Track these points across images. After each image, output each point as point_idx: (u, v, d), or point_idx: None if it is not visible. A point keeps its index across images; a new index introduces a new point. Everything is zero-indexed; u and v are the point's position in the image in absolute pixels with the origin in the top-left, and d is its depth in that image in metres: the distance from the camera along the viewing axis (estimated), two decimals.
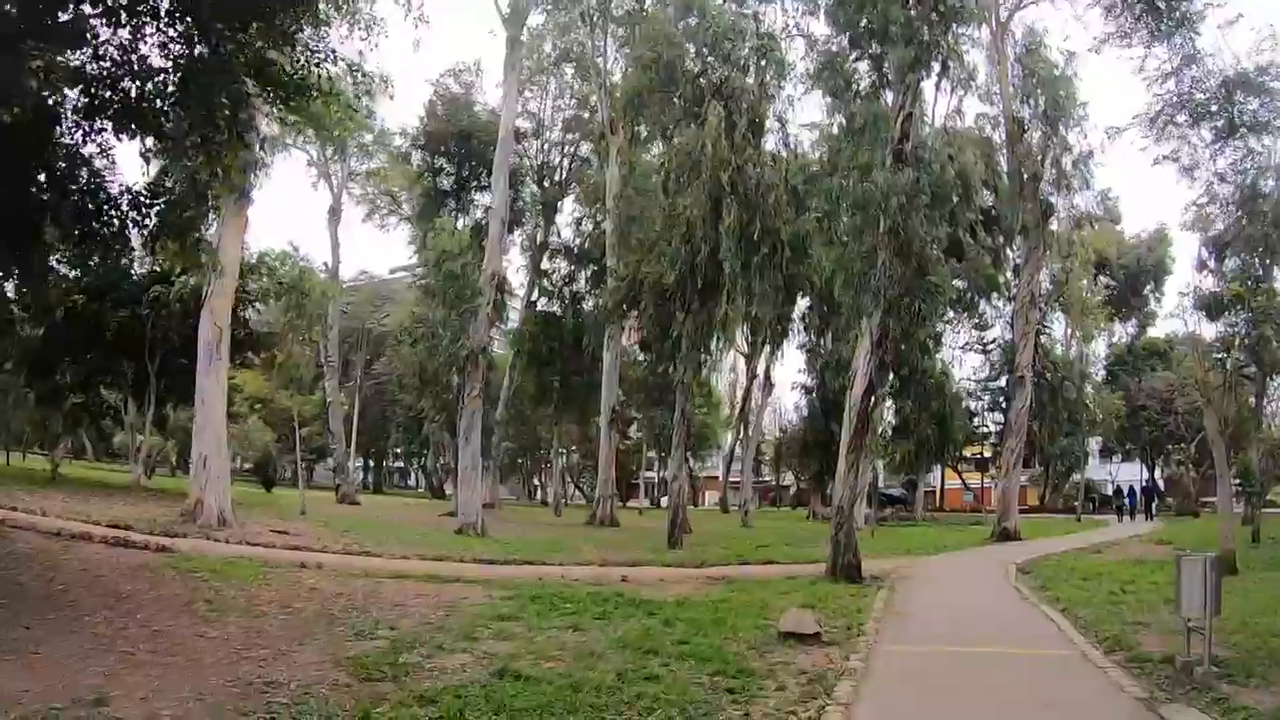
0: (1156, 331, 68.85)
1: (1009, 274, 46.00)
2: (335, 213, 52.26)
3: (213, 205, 28.25)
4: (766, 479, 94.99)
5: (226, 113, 13.23)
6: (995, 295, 51.17)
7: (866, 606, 15.74)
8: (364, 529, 28.12)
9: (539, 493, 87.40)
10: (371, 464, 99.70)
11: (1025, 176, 35.19)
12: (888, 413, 40.80)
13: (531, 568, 21.01)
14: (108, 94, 12.51)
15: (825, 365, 47.43)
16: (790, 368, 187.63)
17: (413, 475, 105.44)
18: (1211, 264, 36.25)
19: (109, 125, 13.06)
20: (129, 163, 14.33)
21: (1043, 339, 45.22)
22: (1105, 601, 16.08)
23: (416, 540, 26.03)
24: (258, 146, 27.22)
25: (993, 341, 61.92)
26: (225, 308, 25.98)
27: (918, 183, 19.26)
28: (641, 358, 46.26)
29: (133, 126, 13.01)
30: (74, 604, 12.01)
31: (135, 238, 15.44)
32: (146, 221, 14.51)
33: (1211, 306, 35.35)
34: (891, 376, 21.21)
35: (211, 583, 14.46)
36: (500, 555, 23.32)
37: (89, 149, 13.47)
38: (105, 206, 13.77)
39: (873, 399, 20.81)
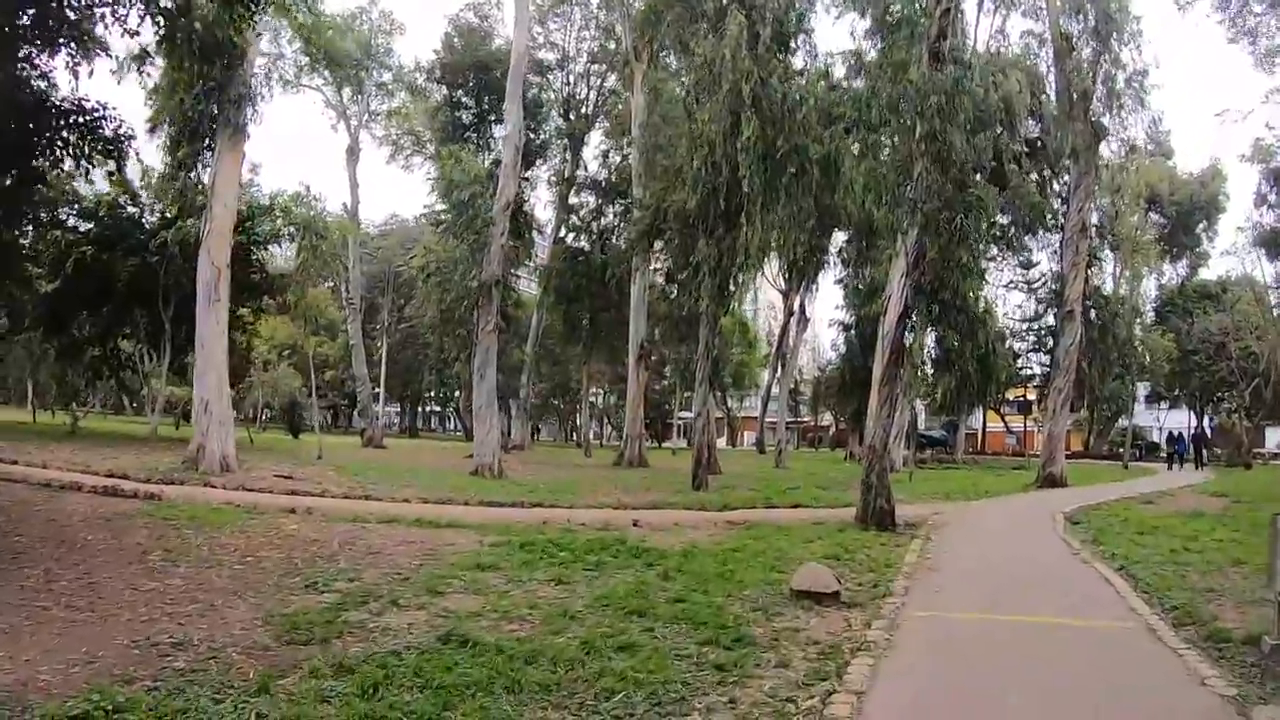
0: (1209, 273, 67.09)
1: (1056, 204, 43.53)
2: (353, 152, 51.21)
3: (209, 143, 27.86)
4: (805, 419, 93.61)
5: None
6: (1041, 229, 48.99)
7: (897, 560, 13.98)
8: (378, 473, 27.16)
9: (576, 434, 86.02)
10: (406, 408, 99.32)
11: (1075, 96, 32.80)
12: (927, 346, 38.73)
13: (541, 511, 19.83)
14: None
15: (863, 300, 46.49)
16: (831, 304, 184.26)
17: (450, 419, 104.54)
18: (1272, 198, 35.88)
19: None
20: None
21: (1089, 283, 42.72)
22: (1167, 560, 14.04)
23: (427, 483, 24.92)
24: (253, 79, 26.30)
25: (1038, 280, 60.16)
26: (222, 246, 25.12)
27: (958, 84, 17.21)
28: (672, 292, 44.52)
29: None
30: (22, 554, 11.47)
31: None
32: None
33: (1272, 242, 33.89)
34: (929, 303, 18.90)
35: (182, 531, 13.75)
36: (511, 498, 22.24)
37: None
38: None
39: (908, 326, 18.96)
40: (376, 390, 63.74)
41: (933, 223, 17.63)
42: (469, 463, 30.25)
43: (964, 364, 36.73)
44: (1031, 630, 9.48)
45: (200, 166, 30.33)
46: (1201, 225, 65.83)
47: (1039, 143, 41.85)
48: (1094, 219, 36.38)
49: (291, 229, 36.43)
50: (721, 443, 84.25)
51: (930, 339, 33.05)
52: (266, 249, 38.16)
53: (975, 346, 18.53)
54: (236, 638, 7.96)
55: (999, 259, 54.73)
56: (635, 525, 17.58)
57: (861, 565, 13.37)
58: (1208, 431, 60.74)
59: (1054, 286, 46.96)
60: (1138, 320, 54.76)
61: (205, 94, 25.66)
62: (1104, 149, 35.23)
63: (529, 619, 9.12)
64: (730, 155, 24.03)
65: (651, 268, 41.79)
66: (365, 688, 6.57)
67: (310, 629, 8.26)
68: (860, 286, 47.45)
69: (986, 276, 46.53)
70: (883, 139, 18.81)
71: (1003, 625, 9.69)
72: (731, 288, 26.71)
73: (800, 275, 48.57)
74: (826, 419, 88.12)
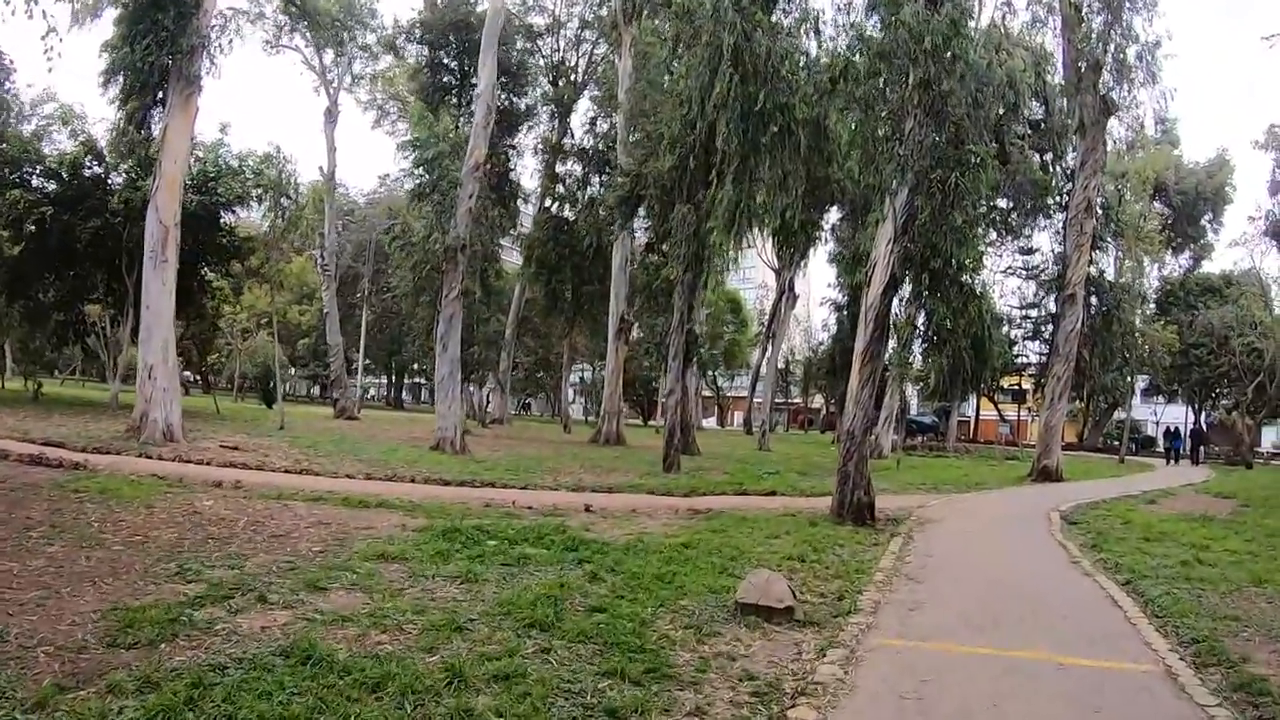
0: (1212, 266, 66.00)
1: (1059, 182, 41.71)
2: (331, 114, 49.63)
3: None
4: (797, 401, 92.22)
5: None
6: (1042, 215, 48.07)
7: (871, 564, 12.23)
8: (334, 446, 25.79)
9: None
10: (392, 380, 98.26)
11: (1084, 67, 31.00)
12: (917, 325, 36.96)
13: (490, 491, 18.54)
14: None
15: (854, 276, 43.76)
16: (826, 284, 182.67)
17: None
18: None
19: None
20: None
21: (1090, 268, 40.90)
22: (1179, 575, 12.23)
23: (382, 458, 23.57)
24: (211, 30, 25.22)
25: (1036, 267, 57.76)
26: (171, 203, 23.81)
27: (955, 25, 15.34)
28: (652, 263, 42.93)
29: None
30: None
31: None
32: None
33: None
34: (919, 272, 16.97)
35: (84, 505, 12.66)
36: (463, 476, 20.70)
37: None
38: None
39: (894, 297, 17.11)
40: (357, 361, 62.22)
41: (924, 181, 15.81)
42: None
43: (957, 345, 35.02)
44: (1025, 672, 7.53)
45: (153, 121, 28.74)
46: (1207, 217, 64.79)
47: (1042, 124, 39.51)
48: (1099, 200, 34.38)
49: (259, 190, 34.70)
50: (711, 422, 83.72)
51: (921, 318, 31.16)
52: (234, 211, 36.33)
53: (969, 323, 16.61)
54: (58, 634, 6.80)
55: (998, 243, 53.01)
56: (587, 510, 16.17)
57: (829, 570, 11.63)
58: (1205, 428, 59.98)
59: (1055, 269, 45.10)
60: (1140, 309, 52.90)
61: (157, 44, 24.03)
62: (1113, 126, 33.30)
63: (408, 628, 7.58)
64: (708, 112, 22.26)
65: (634, 240, 40.05)
66: (155, 713, 5.26)
67: (145, 628, 6.98)
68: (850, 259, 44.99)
69: (985, 261, 45.45)
70: (873, 92, 16.86)
71: (989, 663, 7.74)
72: (708, 254, 24.76)
73: (790, 250, 46.82)
74: (817, 401, 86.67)
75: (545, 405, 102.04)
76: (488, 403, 60.77)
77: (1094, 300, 44.09)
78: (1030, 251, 57.09)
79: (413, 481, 19.37)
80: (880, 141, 16.23)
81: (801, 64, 22.19)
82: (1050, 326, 48.08)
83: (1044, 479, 30.25)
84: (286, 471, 19.42)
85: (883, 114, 16.36)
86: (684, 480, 22.79)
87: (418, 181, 34.81)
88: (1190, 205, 62.60)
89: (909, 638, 8.42)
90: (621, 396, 42.42)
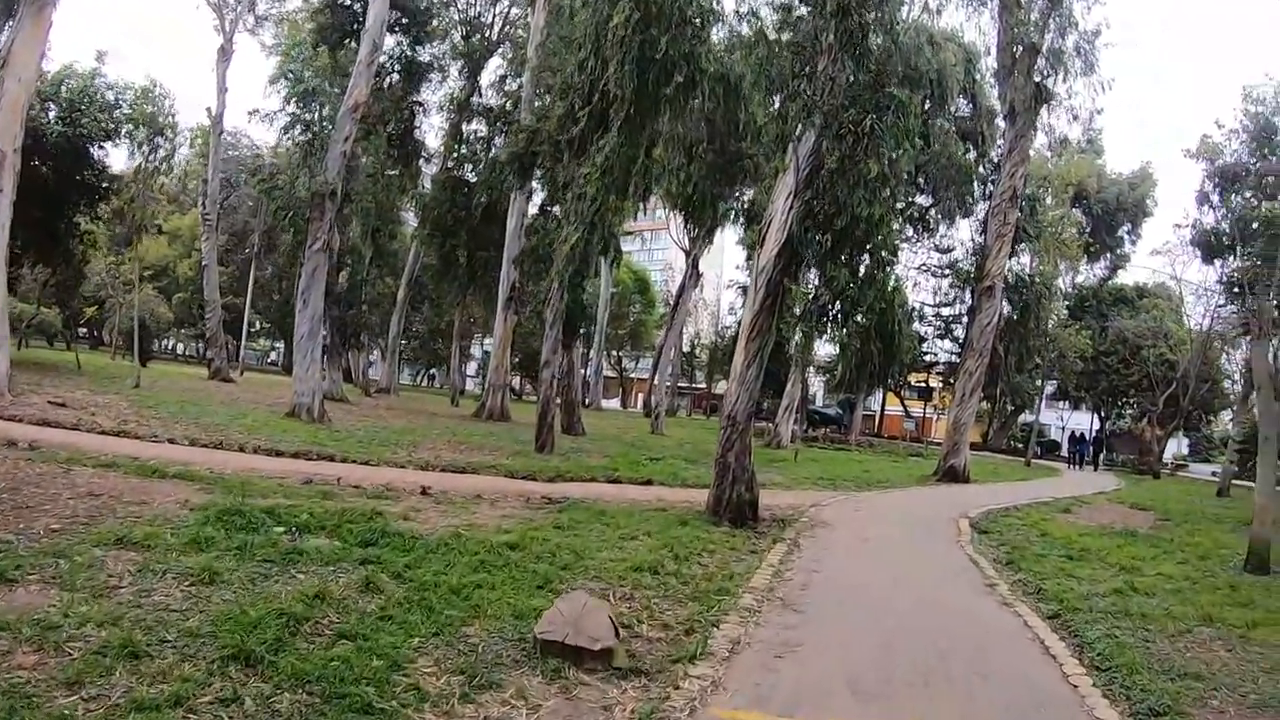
0: (1127, 277, 66.05)
1: (985, 170, 41.02)
2: (225, 53, 45.76)
3: None
4: (701, 386, 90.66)
5: None
6: (960, 213, 46.55)
7: (742, 581, 9.98)
8: (181, 408, 22.89)
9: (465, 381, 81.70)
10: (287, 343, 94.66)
11: (1019, 51, 29.16)
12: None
13: (328, 466, 16.43)
14: None
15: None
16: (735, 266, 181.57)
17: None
18: (1215, 198, 34.24)
19: None
20: None
21: (1011, 261, 39.59)
22: (1116, 608, 10.18)
23: (224, 424, 20.80)
24: None
25: (951, 265, 56.91)
26: (11, 125, 20.64)
27: None
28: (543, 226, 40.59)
29: None
30: None
31: None
32: None
33: (1212, 244, 31.69)
34: (822, 233, 14.35)
35: None
36: (304, 447, 18.33)
37: None
38: None
39: (791, 263, 14.71)
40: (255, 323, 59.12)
41: (835, 124, 13.51)
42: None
43: (867, 329, 33.13)
44: None
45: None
46: (1126, 228, 64.86)
47: (968, 125, 39.33)
48: (1024, 190, 32.79)
49: (131, 126, 31.63)
50: (614, 403, 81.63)
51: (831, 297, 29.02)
52: (103, 146, 33.19)
53: (878, 295, 14.32)
54: None
55: (915, 240, 52.83)
56: (423, 493, 14.00)
57: (686, 588, 9.34)
58: (1108, 436, 60.72)
59: (973, 261, 43.75)
60: (1054, 314, 53.03)
61: None
62: (1048, 114, 31.67)
63: (71, 647, 5.56)
64: (604, 51, 19.85)
65: (530, 202, 37.52)
66: None
67: None
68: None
69: (900, 257, 44.27)
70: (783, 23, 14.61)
71: None
72: (599, 216, 22.30)
73: (698, 227, 44.48)
74: (722, 386, 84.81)
75: (447, 377, 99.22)
76: (359, 369, 57.78)
77: (1012, 296, 43.12)
78: (947, 250, 56.64)
79: (241, 450, 17.14)
80: (787, 79, 13.91)
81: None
82: (962, 325, 48.53)
83: (950, 479, 28.43)
84: (104, 433, 17.16)
85: (791, 48, 14.03)
86: (554, 463, 20.56)
87: (289, 118, 31.96)
88: (1110, 215, 62.58)
89: (768, 708, 6.06)
90: (509, 369, 39.92)
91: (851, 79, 13.57)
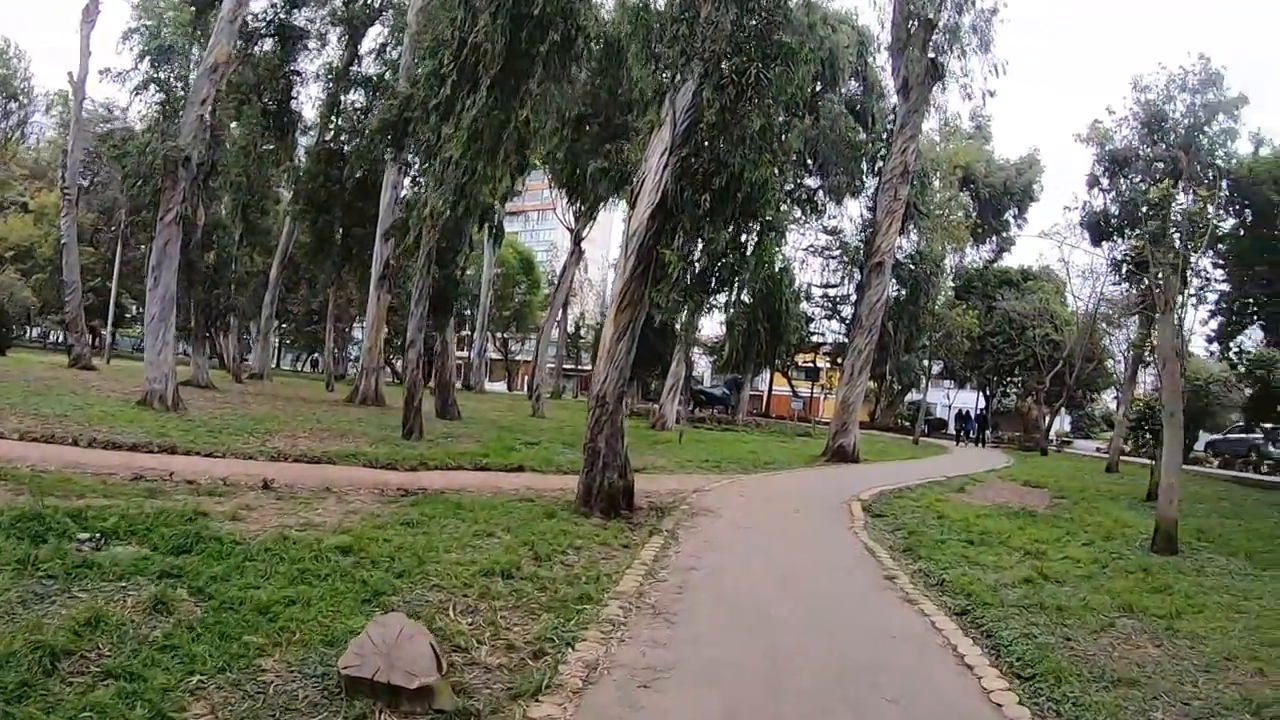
0: (1013, 260, 66.85)
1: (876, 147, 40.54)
2: (89, 14, 42.71)
3: None
4: (588, 368, 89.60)
5: None
6: (850, 193, 46.67)
7: (606, 585, 8.66)
8: (23, 398, 20.84)
9: (346, 365, 78.98)
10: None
11: (914, 25, 28.55)
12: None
13: (169, 458, 14.80)
14: None
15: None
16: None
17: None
18: (1104, 181, 34.37)
19: None
20: None
21: (901, 239, 39.01)
22: (1029, 601, 9.21)
23: (65, 414, 18.75)
24: None
25: (838, 249, 56.02)
26: None
27: None
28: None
29: None
30: None
31: None
32: None
33: (1100, 226, 33.42)
34: (698, 193, 12.81)
35: None
36: (147, 438, 16.43)
37: None
38: None
39: (666, 227, 13.35)
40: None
41: (715, 72, 12.25)
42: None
43: (752, 310, 32.30)
44: None
45: None
46: (1012, 212, 65.26)
47: (859, 107, 39.54)
48: (915, 166, 32.08)
49: None
50: (500, 386, 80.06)
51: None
52: None
53: (760, 263, 12.98)
54: None
55: (802, 221, 51.76)
56: (265, 486, 12.48)
57: (543, 594, 8.03)
58: (992, 413, 61.59)
59: (863, 237, 43.20)
60: (942, 294, 53.31)
61: None
62: (936, 101, 31.07)
63: None
64: (476, 6, 18.36)
65: (406, 174, 35.71)
66: None
67: None
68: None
69: (788, 238, 45.87)
70: None
71: None
72: (470, 184, 20.72)
73: (582, 203, 43.21)
74: None
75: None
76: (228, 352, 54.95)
77: (911, 267, 42.78)
78: (835, 232, 56.09)
79: (75, 444, 15.35)
80: (666, 23, 12.55)
81: None
82: (850, 305, 48.44)
83: (839, 459, 27.56)
84: None
85: None
86: (419, 450, 18.97)
87: (143, 77, 29.75)
88: (997, 199, 62.83)
89: None
90: (383, 351, 38.16)
91: (736, 23, 12.26)
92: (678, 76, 12.40)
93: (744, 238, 13.21)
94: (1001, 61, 29.35)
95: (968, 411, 57.94)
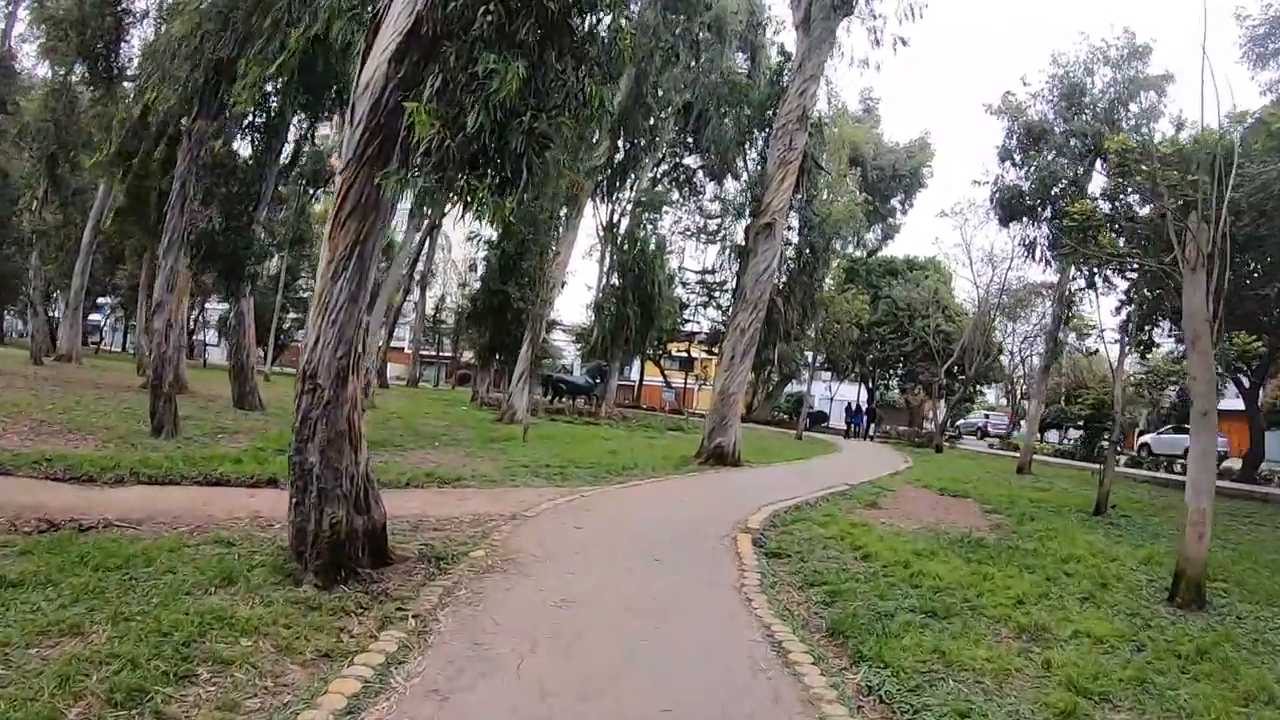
0: (896, 249, 65.47)
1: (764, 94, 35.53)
2: None
3: None
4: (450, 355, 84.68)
5: None
6: (730, 173, 44.43)
7: None
8: None
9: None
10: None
11: None
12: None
13: None
14: None
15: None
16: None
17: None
18: (1018, 156, 31.32)
19: None
20: None
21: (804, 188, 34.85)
22: None
23: None
24: None
25: (717, 232, 53.93)
26: None
27: None
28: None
29: None
30: None
31: None
32: None
33: (1013, 204, 30.22)
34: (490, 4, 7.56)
35: None
36: None
37: None
38: None
39: (423, 64, 7.88)
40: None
41: None
42: None
43: (621, 293, 28.03)
44: None
45: None
46: (899, 197, 63.30)
47: (746, 78, 36.48)
48: (815, 113, 27.82)
49: None
50: None
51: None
52: None
53: (593, 114, 8.34)
54: None
55: (680, 204, 51.47)
56: None
57: None
58: (879, 407, 58.87)
59: (748, 196, 38.91)
60: (830, 275, 49.86)
61: None
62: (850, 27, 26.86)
63: None
64: None
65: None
66: None
67: None
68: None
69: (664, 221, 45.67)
70: None
71: None
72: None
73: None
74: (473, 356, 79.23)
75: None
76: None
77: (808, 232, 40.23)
78: (713, 216, 53.94)
79: None
80: None
81: None
82: (727, 292, 46.20)
83: (718, 462, 22.56)
84: None
85: None
86: (160, 454, 13.84)
87: None
88: (885, 183, 60.61)
89: None
90: (187, 329, 32.57)
91: None
92: None
93: (550, 77, 7.79)
94: (920, 3, 25.14)
95: (858, 405, 55.94)
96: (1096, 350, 26.11)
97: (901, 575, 9.66)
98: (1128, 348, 20.61)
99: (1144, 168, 16.00)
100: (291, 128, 25.32)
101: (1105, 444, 20.57)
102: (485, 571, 8.49)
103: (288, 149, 27.90)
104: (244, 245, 22.86)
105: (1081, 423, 24.13)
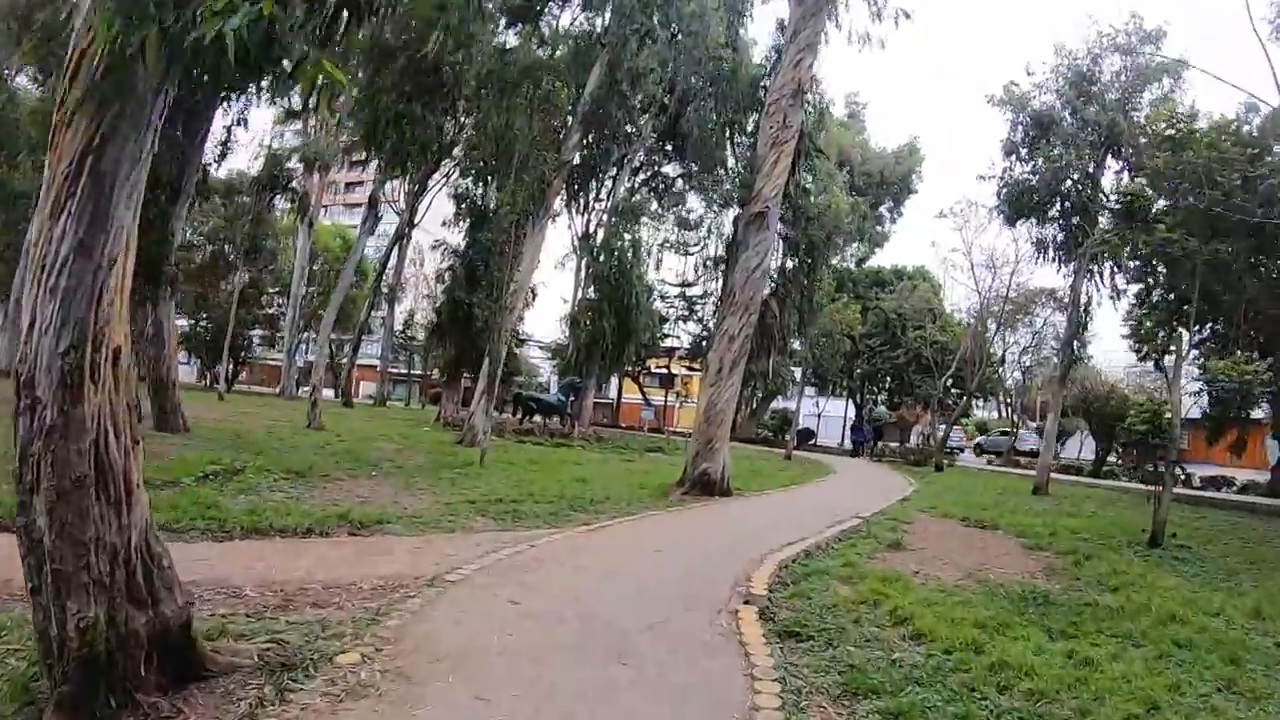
0: (884, 259, 64.31)
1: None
2: None
3: None
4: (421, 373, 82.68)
5: None
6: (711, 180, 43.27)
7: None
8: None
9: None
10: None
11: None
12: None
13: None
14: None
15: (477, 214, 39.47)
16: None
17: None
18: (1023, 150, 29.92)
19: None
20: None
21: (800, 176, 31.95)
22: None
23: None
24: None
25: (697, 244, 52.01)
26: None
27: None
28: None
29: None
30: None
31: None
32: None
33: (1022, 200, 29.08)
34: None
35: None
36: None
37: None
38: None
39: None
40: None
41: None
42: None
43: (597, 306, 25.35)
44: None
45: None
46: (888, 204, 61.32)
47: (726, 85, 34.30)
48: (811, 88, 25.36)
49: None
50: (329, 393, 71.92)
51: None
52: None
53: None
54: None
55: (659, 214, 50.17)
56: None
57: None
58: (878, 423, 56.33)
59: (741, 179, 36.38)
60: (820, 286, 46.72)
61: None
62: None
63: None
64: None
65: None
66: None
67: None
68: (477, 199, 39.82)
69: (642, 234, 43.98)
70: None
71: None
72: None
73: (402, 171, 37.02)
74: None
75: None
76: None
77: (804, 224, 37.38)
78: (693, 226, 51.97)
79: None
80: None
81: None
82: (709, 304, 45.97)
83: (704, 491, 19.44)
84: None
85: None
86: None
87: None
88: (873, 190, 58.25)
89: None
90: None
91: None
92: None
93: None
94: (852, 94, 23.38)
95: (860, 423, 54.08)
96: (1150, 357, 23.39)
97: (977, 669, 6.85)
98: (1192, 352, 18.19)
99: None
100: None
101: (1161, 465, 17.59)
102: (350, 696, 5.31)
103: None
104: (157, 243, 19.75)
105: (1135, 438, 21.50)
